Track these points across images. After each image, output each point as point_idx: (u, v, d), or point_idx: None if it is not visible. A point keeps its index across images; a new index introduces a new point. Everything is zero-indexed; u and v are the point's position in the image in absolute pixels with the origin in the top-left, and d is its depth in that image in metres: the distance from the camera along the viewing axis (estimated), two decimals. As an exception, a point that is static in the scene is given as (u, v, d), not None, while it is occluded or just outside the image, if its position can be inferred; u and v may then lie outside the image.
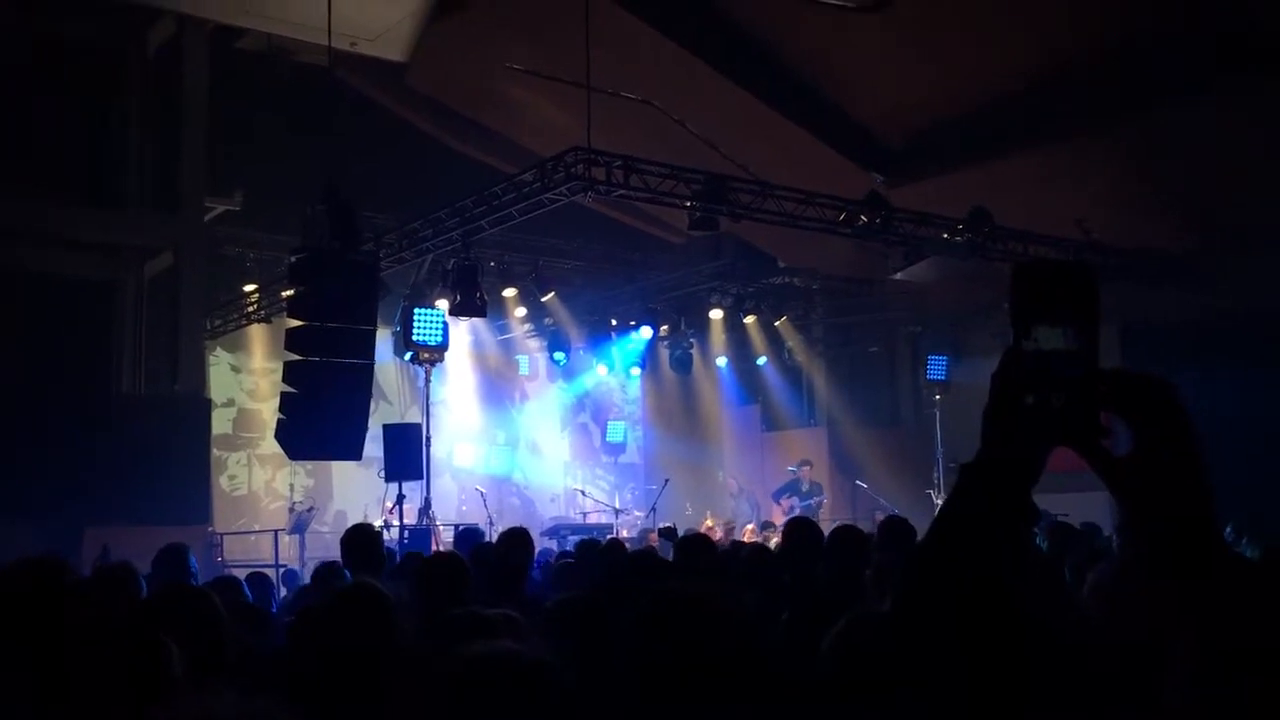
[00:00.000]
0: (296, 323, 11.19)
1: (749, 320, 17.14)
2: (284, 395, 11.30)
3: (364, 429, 11.51)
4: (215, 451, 14.83)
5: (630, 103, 12.32)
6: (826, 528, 5.72)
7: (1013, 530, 1.09)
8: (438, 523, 12.82)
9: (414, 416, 15.04)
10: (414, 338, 13.16)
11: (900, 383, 18.32)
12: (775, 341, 17.82)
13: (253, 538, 14.61)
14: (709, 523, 14.84)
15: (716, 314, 16.94)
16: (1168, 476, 1.03)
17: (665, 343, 18.12)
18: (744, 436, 18.94)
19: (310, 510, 14.61)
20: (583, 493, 17.16)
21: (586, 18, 10.14)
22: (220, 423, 15.42)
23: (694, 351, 17.97)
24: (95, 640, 2.43)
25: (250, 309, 15.05)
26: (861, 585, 4.54)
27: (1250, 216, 11.37)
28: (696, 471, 18.61)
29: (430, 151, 15.03)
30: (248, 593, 5.87)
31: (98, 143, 14.44)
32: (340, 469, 15.96)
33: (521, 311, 16.17)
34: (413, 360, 13.70)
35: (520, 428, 19.14)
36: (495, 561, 5.69)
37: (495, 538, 7.57)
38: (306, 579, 9.27)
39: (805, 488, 15.50)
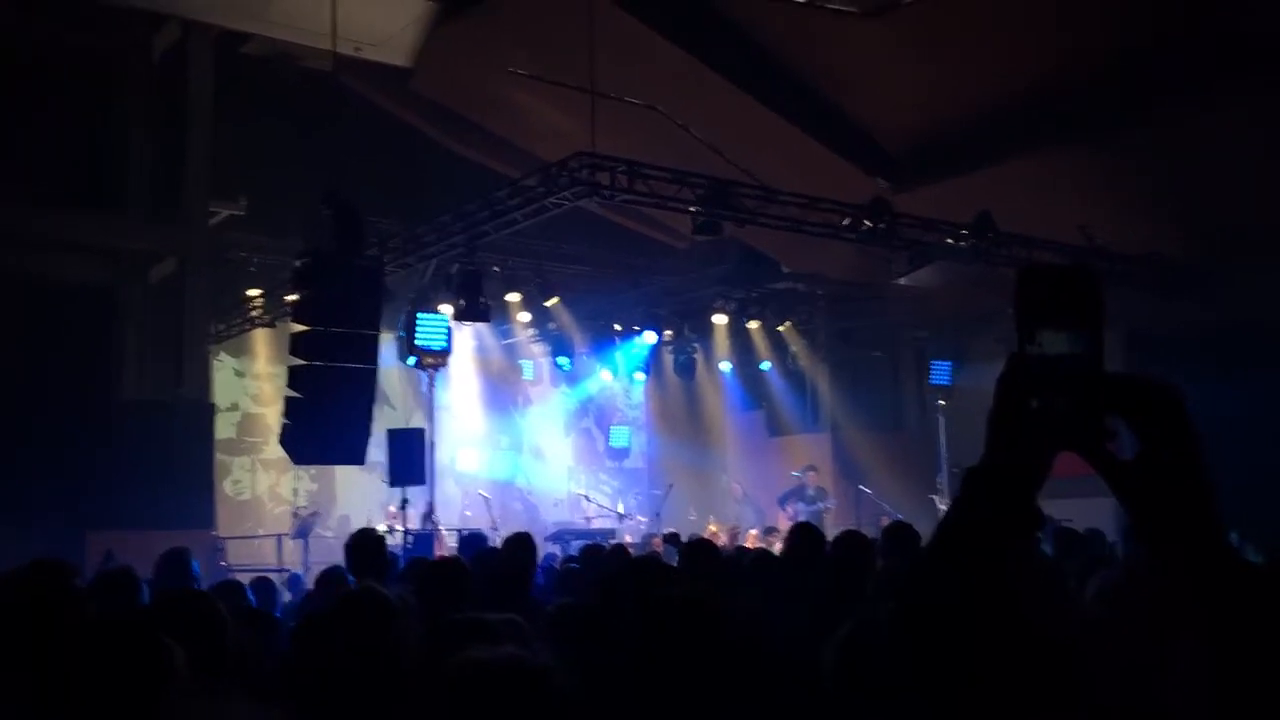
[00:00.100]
0: (301, 327, 11.21)
1: (753, 325, 17.14)
2: (288, 400, 11.32)
3: (368, 434, 11.52)
4: (219, 456, 14.83)
5: (634, 108, 12.32)
6: (832, 533, 5.71)
7: (1017, 535, 1.09)
8: (441, 527, 12.84)
9: (418, 421, 15.06)
10: (418, 343, 13.18)
11: (904, 388, 18.32)
12: (779, 347, 17.82)
13: (256, 542, 14.62)
14: (713, 528, 14.83)
15: (720, 319, 16.95)
16: (1172, 481, 1.03)
17: (669, 348, 18.12)
18: (748, 442, 18.92)
19: (314, 515, 14.62)
20: (586, 498, 17.15)
21: (591, 22, 10.16)
22: (224, 427, 15.43)
23: (698, 356, 17.97)
24: (99, 642, 2.43)
25: (254, 314, 15.06)
26: (865, 590, 4.54)
27: (1255, 223, 11.36)
28: (700, 477, 18.60)
29: (434, 156, 15.04)
30: (251, 597, 5.87)
31: (102, 147, 14.46)
32: (344, 474, 15.97)
33: (525, 316, 16.18)
34: (417, 365, 13.72)
35: (524, 433, 19.14)
36: (499, 566, 5.69)
37: (499, 543, 7.57)
38: (310, 584, 9.28)
39: (810, 493, 15.49)
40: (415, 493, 12.35)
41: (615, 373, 18.73)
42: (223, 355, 15.94)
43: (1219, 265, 12.14)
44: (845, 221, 11.71)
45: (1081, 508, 7.33)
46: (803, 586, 4.90)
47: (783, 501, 15.61)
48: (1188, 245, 12.39)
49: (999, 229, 11.88)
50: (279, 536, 13.90)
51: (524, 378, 18.95)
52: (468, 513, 16.47)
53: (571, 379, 18.98)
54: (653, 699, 2.20)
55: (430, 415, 13.46)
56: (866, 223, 11.64)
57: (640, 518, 16.33)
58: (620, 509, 16.56)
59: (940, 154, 11.87)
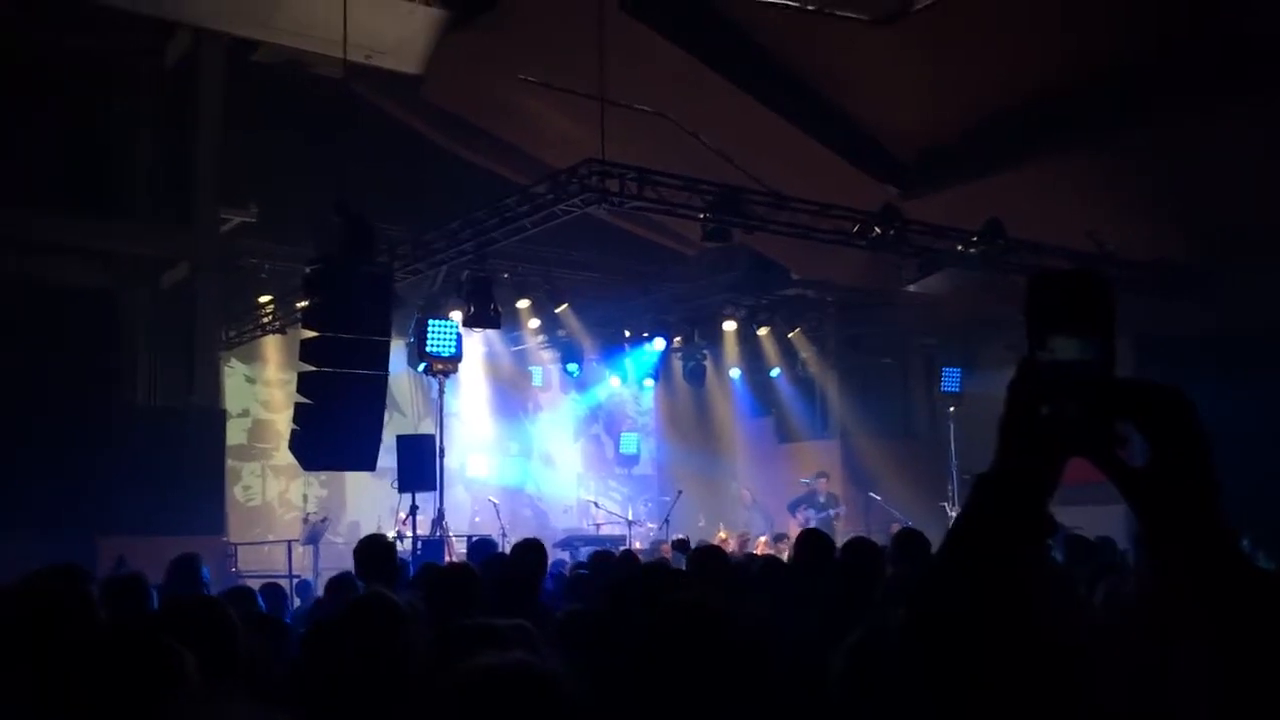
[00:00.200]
0: (311, 334, 11.23)
1: (762, 332, 17.13)
2: (298, 406, 11.33)
3: (378, 440, 11.53)
4: (230, 462, 14.86)
5: (644, 115, 12.34)
6: (842, 540, 5.70)
7: (1028, 542, 1.08)
8: (451, 533, 12.83)
9: (427, 427, 15.07)
10: (428, 349, 13.19)
11: (914, 394, 18.28)
12: (789, 353, 17.80)
13: (267, 548, 14.63)
14: (722, 534, 14.79)
15: (730, 326, 16.94)
16: (1183, 487, 1.03)
17: (678, 354, 18.11)
18: (757, 448, 18.90)
19: (324, 521, 14.64)
20: (596, 504, 17.14)
21: (600, 29, 10.18)
22: (235, 433, 15.46)
23: (707, 363, 17.95)
24: (111, 647, 2.44)
25: (265, 320, 15.10)
26: (874, 597, 4.53)
27: (1257, 225, 11.33)
28: (710, 483, 18.57)
29: (444, 163, 15.07)
30: (261, 603, 5.88)
31: (114, 154, 14.53)
32: (354, 480, 15.99)
33: (535, 323, 16.18)
34: (426, 371, 13.73)
35: (533, 439, 19.14)
36: (508, 572, 5.69)
37: (508, 549, 7.57)
38: (320, 590, 9.29)
39: (822, 499, 15.46)
40: (425, 499, 12.35)
41: (625, 379, 18.72)
42: (233, 361, 15.98)
43: (1229, 272, 12.10)
44: (855, 228, 11.70)
45: (1092, 515, 7.30)
46: (812, 593, 4.89)
47: (793, 508, 15.58)
48: (1190, 247, 12.37)
49: (1008, 235, 11.86)
50: (289, 542, 13.91)
51: (533, 384, 18.93)
52: (477, 519, 16.47)
53: (581, 385, 18.98)
54: (661, 705, 2.20)
55: (440, 421, 13.44)
56: (876, 229, 11.64)
57: (649, 524, 16.30)
58: (629, 516, 16.54)
59: (950, 160, 11.86)
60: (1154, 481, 1.03)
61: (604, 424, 19.99)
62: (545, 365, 18.61)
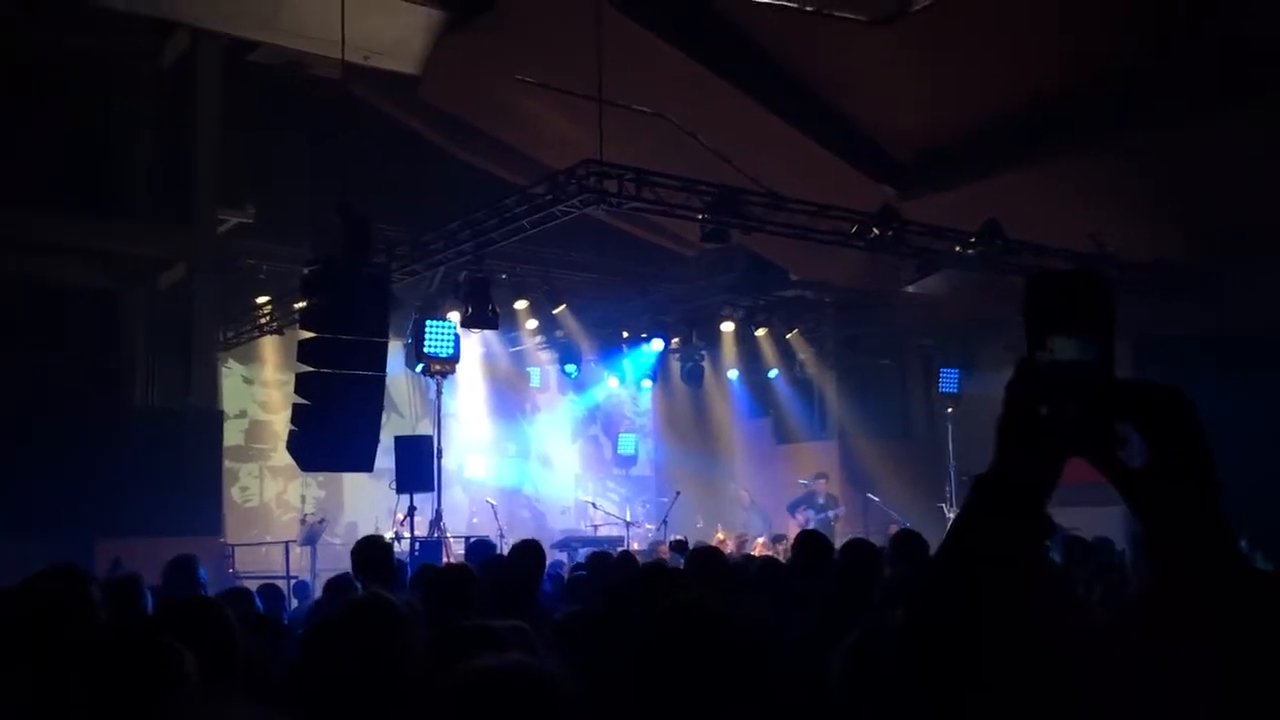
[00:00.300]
0: (309, 334, 11.23)
1: (760, 333, 17.13)
2: (296, 407, 11.33)
3: (375, 440, 11.53)
4: (227, 463, 14.85)
5: (642, 116, 12.34)
6: (841, 541, 5.70)
7: (1027, 542, 1.08)
8: (449, 535, 12.83)
9: (425, 428, 15.07)
10: (425, 350, 13.18)
11: (912, 396, 18.29)
12: (787, 354, 17.80)
13: (264, 549, 14.61)
14: (720, 535, 14.79)
15: (728, 327, 16.94)
16: (1183, 487, 1.02)
17: (676, 355, 18.11)
18: (755, 449, 18.90)
19: (322, 522, 14.63)
20: (594, 505, 17.14)
21: (598, 30, 10.17)
22: (232, 434, 15.45)
23: (705, 364, 17.95)
24: (112, 648, 2.44)
25: (263, 321, 15.09)
26: (872, 598, 4.53)
27: (1257, 226, 11.34)
28: (708, 484, 18.57)
29: (442, 164, 15.07)
30: (259, 604, 5.87)
31: (112, 154, 14.52)
32: (352, 480, 15.97)
33: (533, 324, 16.18)
34: (424, 372, 13.72)
35: (531, 440, 19.14)
36: (506, 574, 5.69)
37: (506, 550, 7.57)
38: (318, 591, 9.28)
39: (821, 500, 15.47)
40: (423, 500, 12.35)
41: (623, 380, 18.72)
42: (231, 362, 15.97)
43: (1229, 273, 12.11)
44: (853, 229, 11.71)
45: (1089, 516, 7.31)
46: (810, 594, 4.89)
47: (793, 509, 15.59)
48: (1190, 248, 12.37)
49: (1007, 236, 11.87)
50: (287, 543, 13.89)
51: (531, 385, 18.93)
52: (475, 520, 16.47)
53: (579, 386, 18.97)
54: (660, 707, 2.20)
55: (438, 422, 13.44)
56: (874, 230, 11.64)
57: (647, 525, 16.31)
58: (627, 517, 16.54)
59: (948, 161, 11.87)
60: (1153, 482, 1.03)
61: (602, 425, 19.99)
62: (543, 366, 18.60)
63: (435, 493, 12.57)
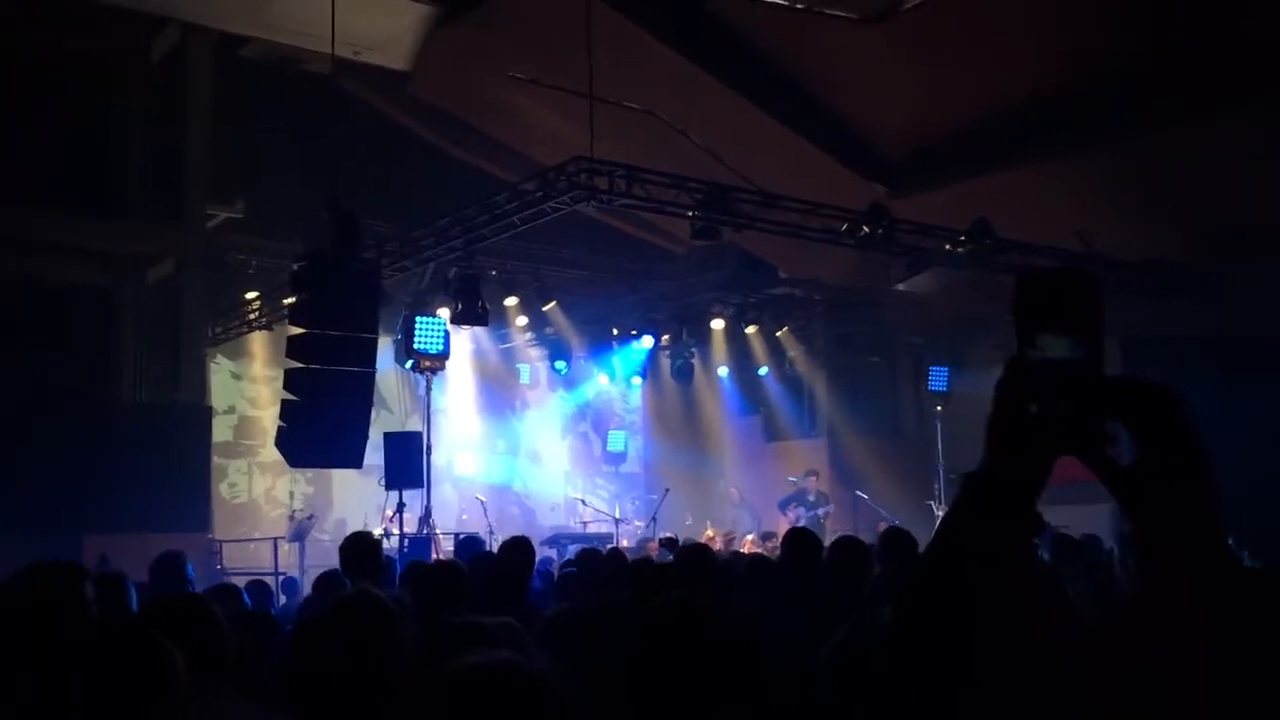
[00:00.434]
0: (298, 330, 11.20)
1: (750, 330, 17.15)
2: (285, 403, 11.30)
3: (365, 437, 11.50)
4: (216, 459, 14.82)
5: (633, 112, 12.34)
6: (832, 539, 5.71)
7: (1016, 540, 1.09)
8: (438, 531, 12.81)
9: (415, 425, 15.03)
10: (415, 346, 13.16)
11: (902, 393, 18.32)
12: (777, 352, 17.82)
13: (253, 546, 14.58)
14: (709, 533, 14.81)
15: (718, 324, 16.95)
16: (1172, 484, 1.03)
17: (666, 352, 18.11)
18: (745, 447, 18.91)
19: (310, 518, 14.60)
20: (583, 502, 17.14)
21: (589, 27, 10.17)
22: (221, 430, 15.41)
23: (695, 361, 17.96)
24: (102, 645, 2.43)
25: (252, 316, 15.05)
26: (862, 596, 4.54)
27: (1253, 229, 11.37)
28: (697, 481, 18.58)
29: (433, 160, 15.05)
30: (247, 601, 5.86)
31: (100, 149, 14.46)
32: (341, 477, 15.94)
33: (523, 320, 16.17)
34: (414, 368, 13.70)
35: (521, 437, 19.12)
36: (496, 570, 5.68)
37: (495, 547, 7.56)
38: (306, 587, 9.26)
39: (811, 498, 15.50)
40: (412, 496, 12.32)
41: (613, 377, 18.71)
42: (219, 358, 15.92)
43: (1218, 273, 12.15)
44: (844, 227, 11.73)
45: (1078, 514, 7.33)
46: (800, 591, 4.90)
47: (784, 506, 15.62)
48: (1188, 248, 12.40)
49: (997, 235, 11.89)
50: (275, 540, 13.86)
51: (521, 382, 18.92)
52: (464, 516, 16.44)
53: (569, 383, 18.96)
54: (650, 704, 2.20)
55: (427, 419, 13.41)
56: (864, 228, 11.66)
57: (637, 522, 16.30)
58: (617, 513, 16.54)
59: (938, 160, 11.88)
60: (1142, 479, 1.03)
61: (591, 422, 19.98)
62: (533, 363, 18.60)
63: (425, 489, 12.55)
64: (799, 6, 10.56)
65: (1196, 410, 1.05)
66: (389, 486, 12.24)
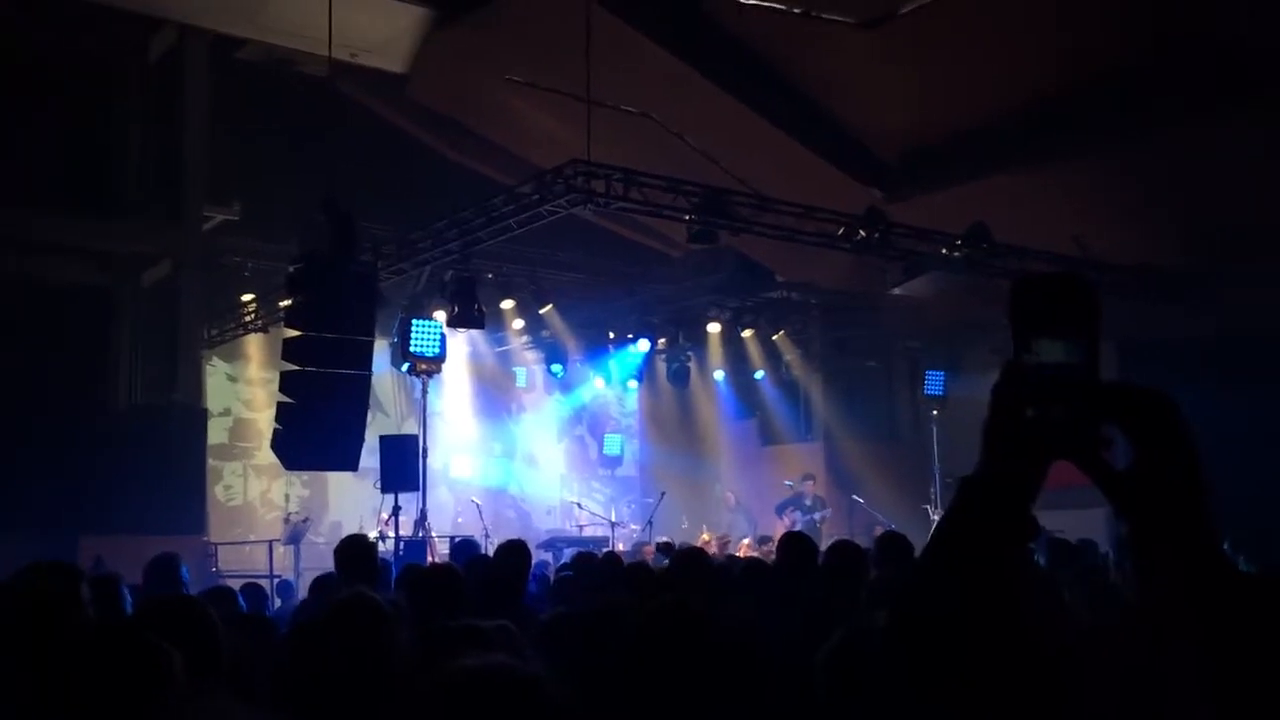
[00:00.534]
0: (294, 333, 11.19)
1: (747, 334, 17.15)
2: (280, 405, 11.28)
3: (360, 440, 11.49)
4: (211, 461, 14.80)
5: (630, 116, 12.34)
6: (826, 543, 5.71)
7: (1012, 544, 1.09)
8: (434, 534, 12.80)
9: (411, 428, 15.02)
10: (411, 349, 13.15)
11: (898, 398, 18.32)
12: (773, 356, 17.82)
13: (248, 548, 14.56)
14: (705, 537, 14.80)
15: (714, 328, 16.95)
16: (1168, 488, 1.03)
17: (663, 356, 18.11)
18: (741, 450, 18.91)
19: (306, 521, 14.57)
20: (579, 505, 17.12)
21: (587, 30, 10.17)
22: (216, 432, 15.39)
23: (691, 365, 17.96)
24: (99, 647, 2.43)
25: (248, 318, 15.03)
26: (858, 600, 4.53)
27: (1249, 233, 11.38)
28: (693, 485, 18.58)
29: (430, 162, 15.04)
30: (242, 603, 5.85)
31: (97, 150, 14.43)
32: (336, 480, 15.92)
33: (519, 323, 16.16)
34: (410, 371, 13.68)
35: (517, 440, 19.11)
36: (491, 573, 5.67)
37: (491, 550, 7.55)
38: (302, 590, 9.25)
39: (809, 502, 15.50)
40: (408, 499, 12.31)
41: (609, 380, 18.70)
42: (215, 360, 15.90)
43: (1214, 277, 12.16)
44: (840, 231, 11.74)
45: (1073, 519, 7.33)
46: (795, 595, 4.90)
47: (781, 510, 15.62)
48: (1186, 251, 12.41)
49: (993, 239, 11.91)
50: (270, 542, 13.85)
51: (517, 385, 18.90)
52: (460, 519, 16.43)
53: (565, 386, 18.95)
54: (646, 707, 2.20)
55: (423, 422, 13.39)
56: (861, 232, 11.67)
57: (632, 526, 16.30)
58: (613, 517, 16.54)
59: (935, 164, 11.90)
60: (1138, 483, 1.04)
61: (588, 425, 19.98)
62: (529, 366, 18.59)
63: (420, 492, 12.53)
64: (795, 11, 10.57)
65: (1191, 414, 1.06)
66: (385, 489, 12.22)
